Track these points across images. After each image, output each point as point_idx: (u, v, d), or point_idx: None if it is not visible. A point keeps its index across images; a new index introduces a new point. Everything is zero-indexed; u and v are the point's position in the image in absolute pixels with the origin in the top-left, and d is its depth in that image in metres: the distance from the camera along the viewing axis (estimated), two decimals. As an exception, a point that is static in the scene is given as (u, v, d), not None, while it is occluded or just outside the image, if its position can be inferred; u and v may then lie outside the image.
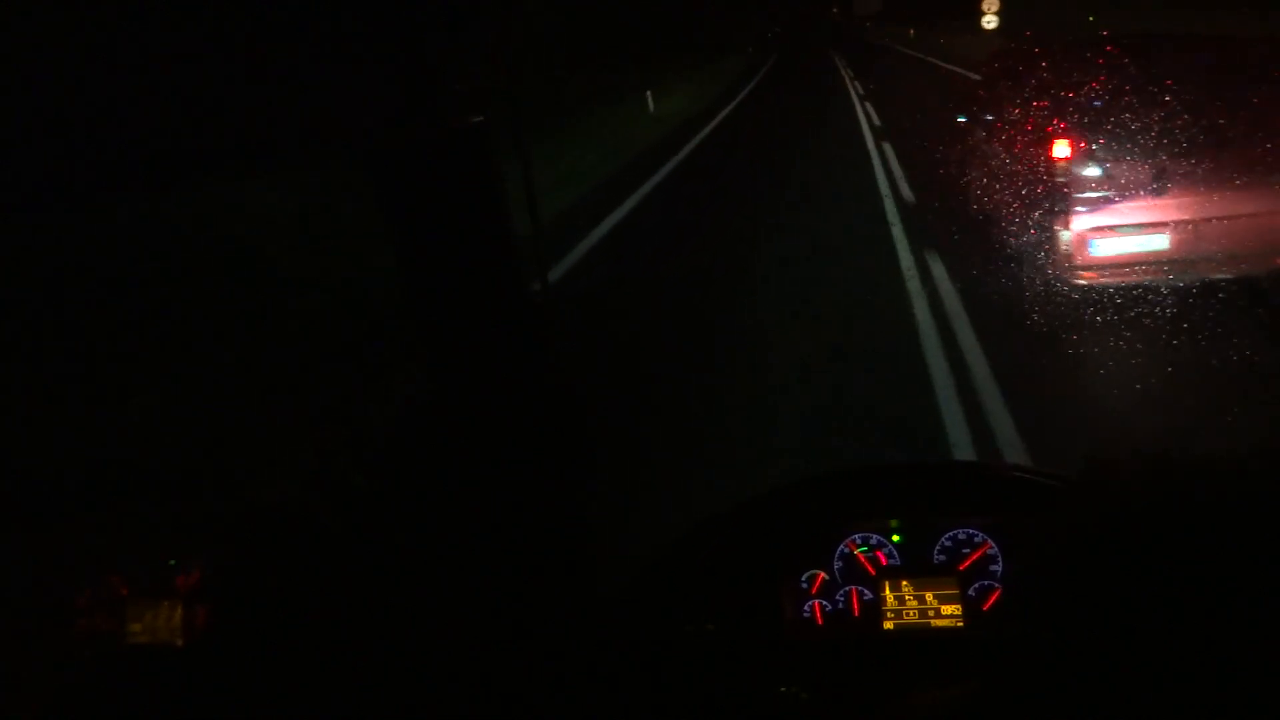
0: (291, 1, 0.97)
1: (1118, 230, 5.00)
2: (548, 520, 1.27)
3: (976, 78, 9.16)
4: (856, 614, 1.38)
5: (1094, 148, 5.17)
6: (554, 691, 1.21)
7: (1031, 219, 5.50)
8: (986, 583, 1.37)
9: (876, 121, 16.48)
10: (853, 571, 1.39)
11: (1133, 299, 5.05)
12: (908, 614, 1.37)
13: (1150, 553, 0.67)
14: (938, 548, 1.39)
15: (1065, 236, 5.13)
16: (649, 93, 19.97)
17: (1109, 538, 0.69)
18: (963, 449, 3.97)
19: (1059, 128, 5.37)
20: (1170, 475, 0.72)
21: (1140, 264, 5.02)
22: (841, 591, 1.39)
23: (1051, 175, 5.24)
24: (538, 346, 1.24)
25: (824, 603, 1.38)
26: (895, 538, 1.40)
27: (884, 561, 1.40)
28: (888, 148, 12.94)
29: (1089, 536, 0.71)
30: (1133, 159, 5.01)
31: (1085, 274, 5.12)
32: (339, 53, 1.02)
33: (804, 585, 1.39)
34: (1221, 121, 4.98)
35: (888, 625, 1.37)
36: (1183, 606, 0.65)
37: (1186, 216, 4.89)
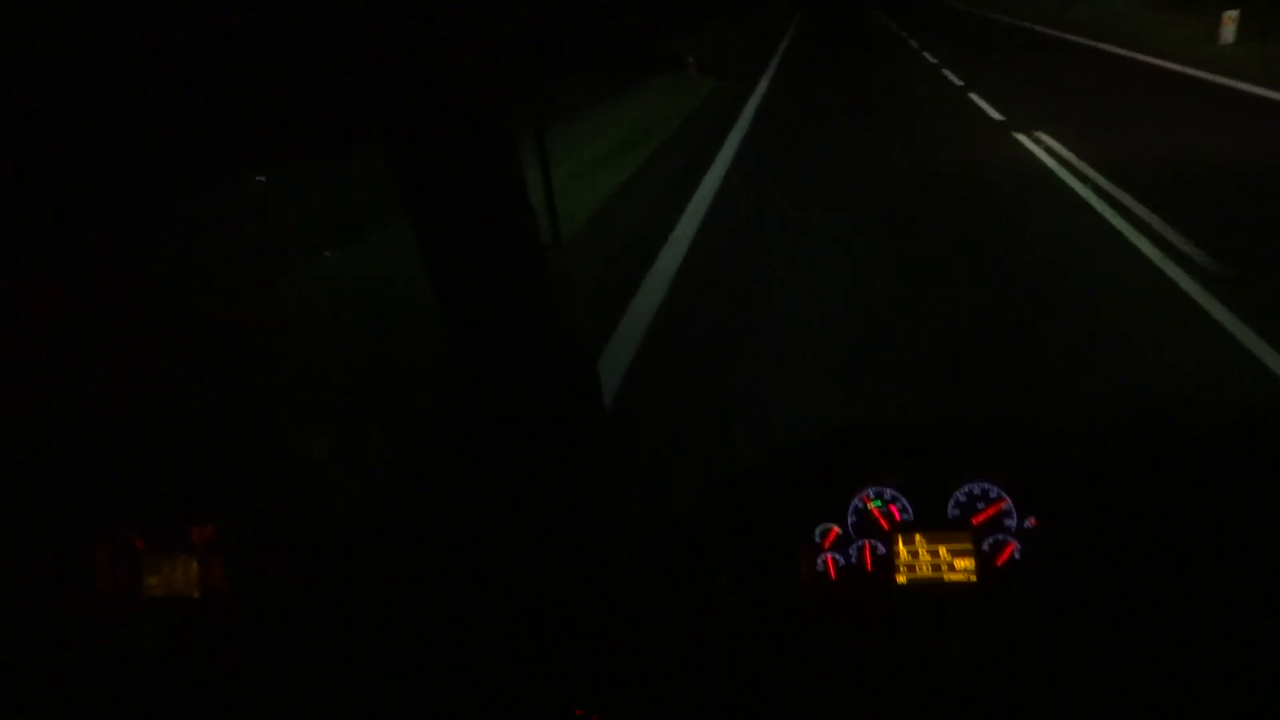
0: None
1: None
2: (565, 492, 1.27)
3: None
4: (869, 568, 1.37)
5: None
6: (569, 647, 1.21)
7: None
8: (1000, 537, 1.36)
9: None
10: (866, 526, 1.39)
11: None
12: (920, 568, 1.37)
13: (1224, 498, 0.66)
14: (952, 502, 1.38)
15: None
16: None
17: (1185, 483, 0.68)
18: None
19: None
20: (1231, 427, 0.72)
21: None
22: (854, 545, 1.38)
23: None
24: (557, 325, 1.23)
25: (837, 556, 1.38)
26: (909, 492, 1.39)
27: (897, 516, 1.39)
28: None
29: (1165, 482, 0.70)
30: None
31: None
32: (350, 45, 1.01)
33: (817, 539, 1.38)
34: None
35: (900, 579, 1.36)
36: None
37: None
